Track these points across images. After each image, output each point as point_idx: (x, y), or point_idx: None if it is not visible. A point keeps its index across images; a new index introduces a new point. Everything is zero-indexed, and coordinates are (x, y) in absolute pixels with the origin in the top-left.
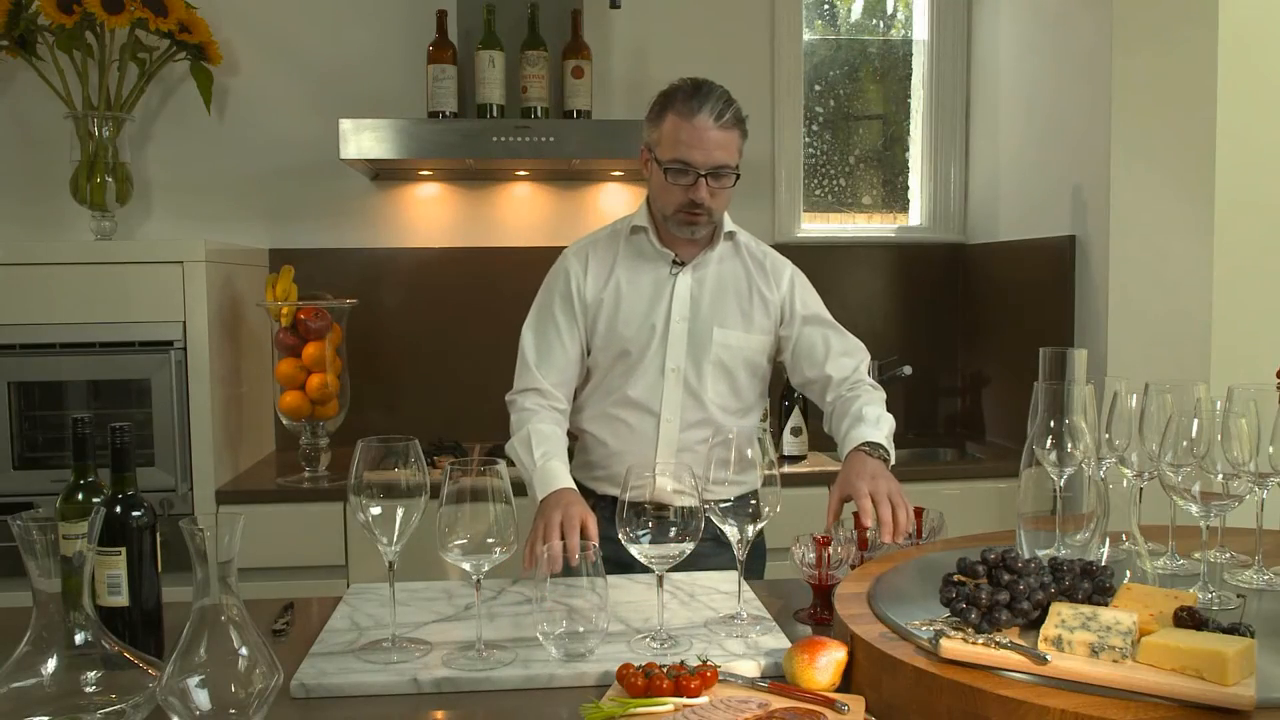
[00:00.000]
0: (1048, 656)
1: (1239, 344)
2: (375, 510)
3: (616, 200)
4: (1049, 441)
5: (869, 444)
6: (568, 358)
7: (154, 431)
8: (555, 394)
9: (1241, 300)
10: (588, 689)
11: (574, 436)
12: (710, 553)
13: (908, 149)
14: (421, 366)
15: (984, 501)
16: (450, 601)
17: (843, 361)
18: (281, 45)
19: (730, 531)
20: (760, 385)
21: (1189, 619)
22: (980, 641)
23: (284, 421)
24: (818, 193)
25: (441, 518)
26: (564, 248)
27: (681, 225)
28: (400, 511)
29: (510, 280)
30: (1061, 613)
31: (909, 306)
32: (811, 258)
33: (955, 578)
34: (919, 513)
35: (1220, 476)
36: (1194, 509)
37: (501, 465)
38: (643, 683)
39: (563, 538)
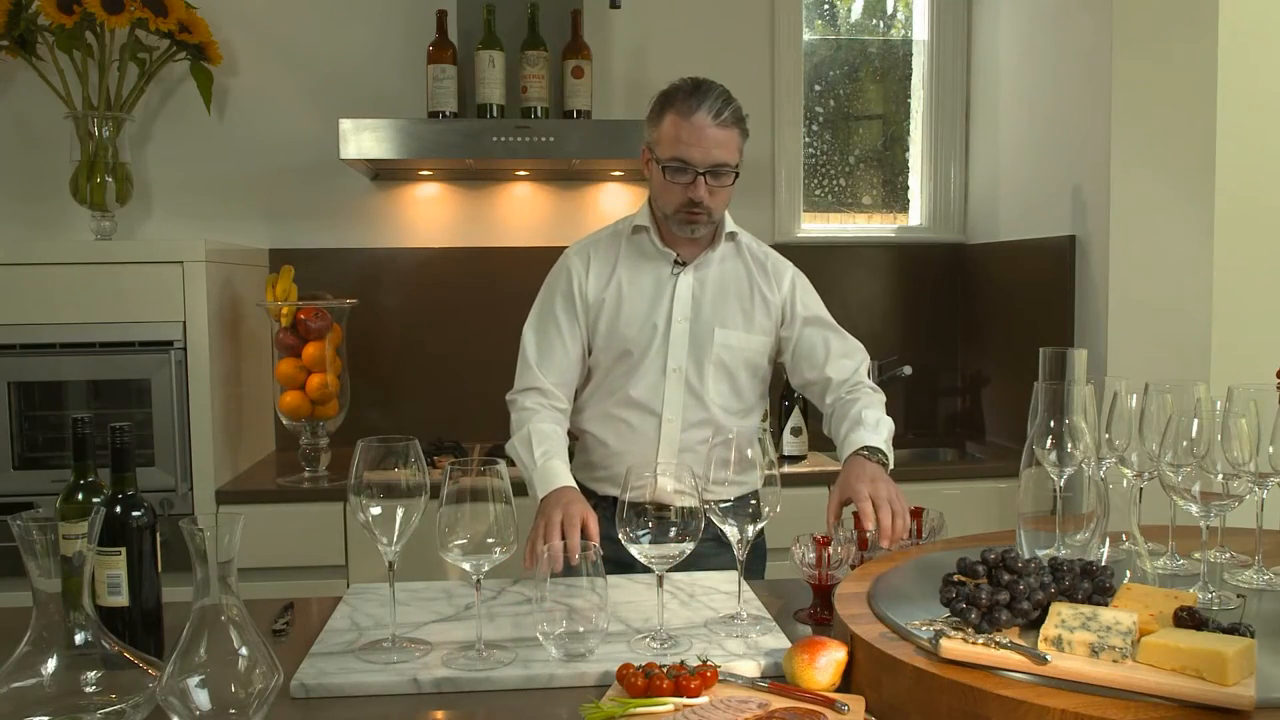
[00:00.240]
0: (1048, 656)
1: (1239, 344)
2: (375, 510)
3: (616, 200)
4: (1049, 441)
5: (868, 448)
6: (569, 357)
7: (154, 431)
8: (556, 393)
9: (1241, 300)
10: (588, 689)
11: (574, 437)
12: (710, 553)
13: (908, 149)
14: (421, 366)
15: (984, 501)
16: (450, 601)
17: (842, 363)
18: (281, 45)
19: (730, 531)
20: (761, 386)
21: (1189, 619)
22: (980, 641)
23: (284, 421)
24: (818, 193)
25: (441, 518)
26: (564, 248)
27: (681, 224)
28: (400, 511)
29: (510, 280)
30: (1061, 613)
31: (909, 306)
32: (811, 258)
33: (955, 578)
34: (919, 513)
35: (1220, 476)
36: (1194, 509)
37: (501, 465)
38: (643, 683)
39: (563, 537)
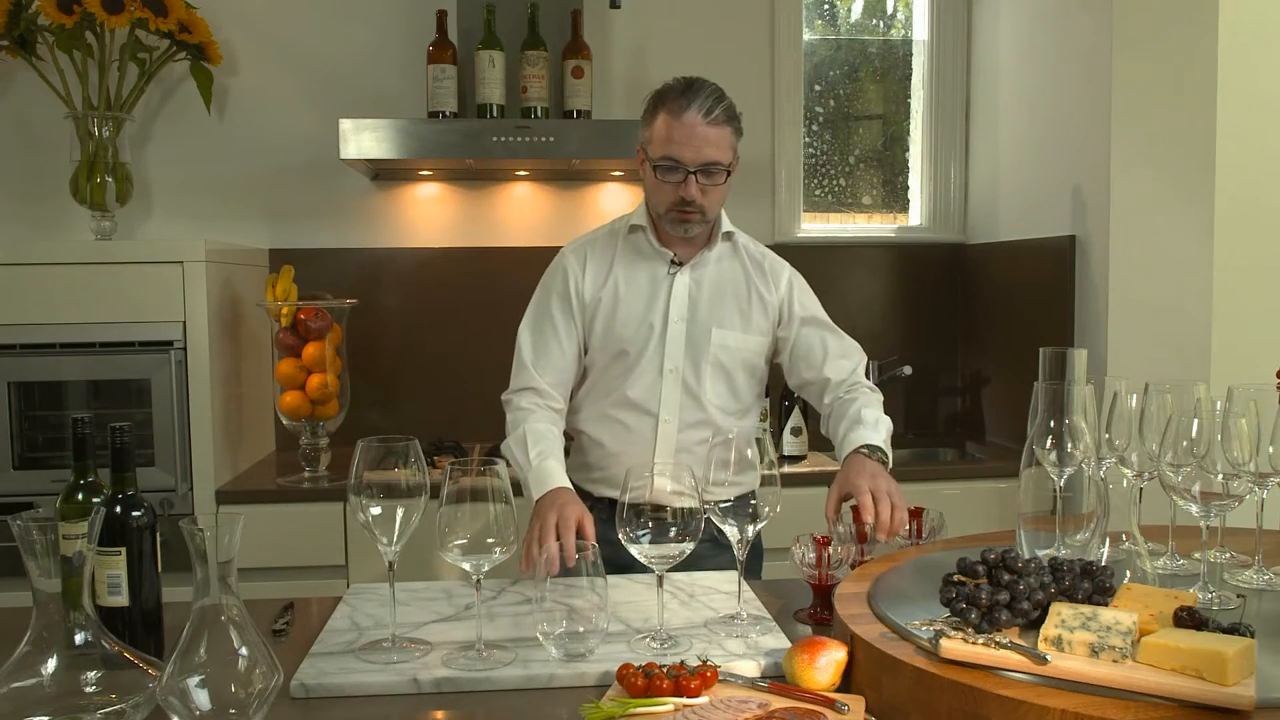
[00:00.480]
0: (1048, 656)
1: (1239, 344)
2: (375, 510)
3: (616, 200)
4: (1049, 441)
5: (868, 446)
6: (565, 357)
7: (154, 431)
8: (552, 393)
9: (1241, 300)
10: (588, 689)
11: (570, 437)
12: (710, 553)
13: (908, 149)
14: (421, 366)
15: (984, 501)
16: (450, 601)
17: (840, 364)
18: (281, 45)
19: (730, 532)
20: (758, 386)
21: (1189, 619)
22: (980, 641)
23: (284, 421)
24: (818, 193)
25: (441, 518)
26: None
27: (674, 224)
28: (400, 511)
29: (510, 280)
30: (1061, 613)
31: (909, 306)
32: (811, 258)
33: (955, 578)
34: (919, 513)
35: (1220, 476)
36: (1194, 509)
37: (501, 465)
38: (643, 683)
39: (559, 539)
